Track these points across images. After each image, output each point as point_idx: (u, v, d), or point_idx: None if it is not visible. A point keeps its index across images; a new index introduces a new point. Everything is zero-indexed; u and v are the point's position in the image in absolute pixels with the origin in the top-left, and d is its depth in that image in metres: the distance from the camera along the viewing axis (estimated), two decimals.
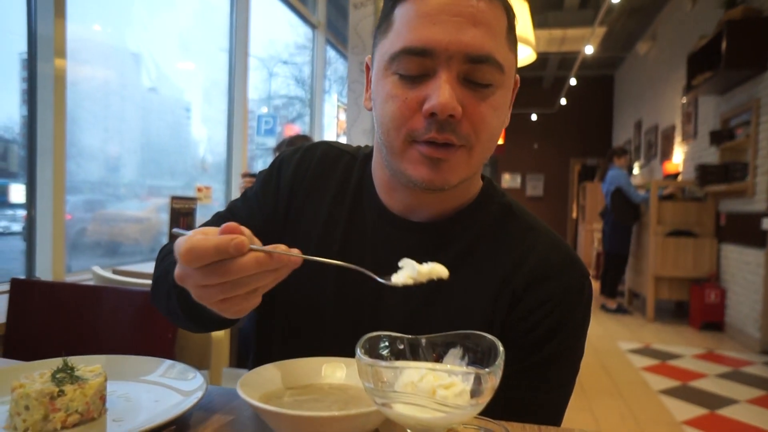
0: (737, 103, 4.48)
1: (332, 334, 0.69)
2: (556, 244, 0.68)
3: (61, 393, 0.51)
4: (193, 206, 2.21)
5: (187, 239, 0.44)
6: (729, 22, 4.04)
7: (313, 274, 0.70)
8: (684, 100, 5.71)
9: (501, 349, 0.43)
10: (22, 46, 2.02)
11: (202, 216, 2.45)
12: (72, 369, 0.55)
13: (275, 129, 4.30)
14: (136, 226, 2.99)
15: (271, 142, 4.27)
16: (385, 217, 0.69)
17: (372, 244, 0.69)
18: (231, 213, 0.76)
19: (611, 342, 4.23)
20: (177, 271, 0.47)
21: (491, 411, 0.45)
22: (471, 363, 0.47)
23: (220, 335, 1.29)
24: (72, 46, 2.05)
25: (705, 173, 4.61)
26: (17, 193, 2.22)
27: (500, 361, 0.42)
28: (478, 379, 0.40)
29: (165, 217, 3.00)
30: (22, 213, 2.13)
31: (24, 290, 1.17)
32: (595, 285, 5.65)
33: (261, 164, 4.50)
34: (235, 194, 3.36)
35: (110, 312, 1.13)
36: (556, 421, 0.66)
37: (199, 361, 1.27)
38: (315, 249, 0.71)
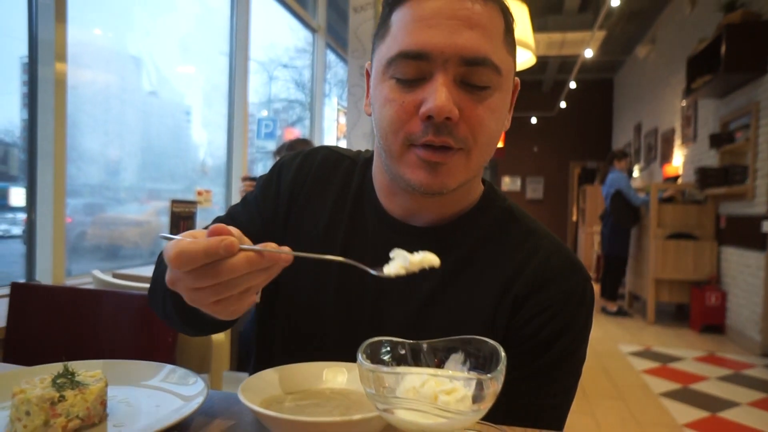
0: (737, 106, 4.49)
1: (333, 338, 0.69)
2: (557, 248, 0.68)
3: (62, 398, 0.51)
4: (194, 210, 2.21)
5: (175, 243, 0.44)
6: (728, 25, 4.05)
7: (314, 276, 0.70)
8: (684, 103, 5.72)
9: (503, 354, 0.43)
10: (23, 50, 2.02)
11: (202, 220, 2.45)
12: (73, 374, 0.55)
13: (275, 132, 4.30)
14: (136, 230, 2.99)
15: (271, 145, 4.27)
16: (385, 222, 0.69)
17: (373, 249, 0.69)
18: (231, 218, 0.76)
19: (612, 345, 4.22)
20: (168, 275, 0.47)
21: (493, 416, 0.45)
22: (472, 368, 0.47)
23: (221, 339, 1.29)
24: (73, 51, 2.06)
25: (705, 176, 4.61)
26: (17, 196, 2.22)
27: (502, 367, 0.42)
28: (480, 385, 0.40)
29: (165, 221, 3.00)
30: (22, 216, 2.13)
31: (24, 294, 1.16)
32: (596, 288, 5.64)
33: (261, 167, 4.51)
34: (236, 198, 3.37)
35: (110, 316, 1.13)
36: (559, 425, 0.66)
37: (200, 365, 1.27)
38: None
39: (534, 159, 10.12)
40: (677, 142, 6.10)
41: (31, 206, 2.02)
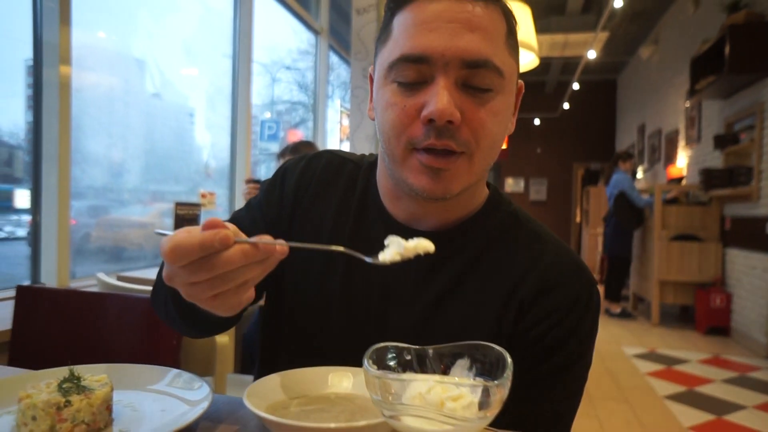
0: (741, 107, 4.47)
1: (337, 341, 0.69)
2: (563, 252, 0.68)
3: (68, 403, 0.51)
4: (197, 212, 2.22)
5: (170, 238, 0.44)
6: (732, 26, 4.03)
7: (318, 279, 0.70)
8: (687, 104, 5.70)
9: (509, 360, 0.43)
10: (28, 52, 2.03)
11: None
12: (78, 379, 0.55)
13: (278, 134, 4.31)
14: (140, 232, 3.00)
15: (274, 147, 4.27)
16: (390, 226, 0.69)
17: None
18: (234, 222, 0.76)
19: (616, 347, 4.21)
20: (165, 271, 0.46)
21: (499, 423, 0.45)
22: (478, 374, 0.47)
23: (225, 342, 1.29)
24: (77, 53, 2.07)
25: (709, 177, 4.59)
26: (22, 198, 2.23)
27: (509, 373, 0.42)
28: (486, 392, 0.40)
29: (169, 222, 3.01)
30: (26, 218, 2.13)
31: (30, 297, 1.17)
32: (600, 290, 5.62)
33: (264, 169, 4.51)
34: (239, 200, 3.37)
35: (115, 319, 1.13)
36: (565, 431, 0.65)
37: (204, 368, 1.27)
38: (320, 259, 0.70)
39: (537, 160, 10.11)
40: (681, 143, 6.08)
41: (35, 208, 2.03)
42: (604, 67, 8.81)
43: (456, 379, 0.46)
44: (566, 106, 9.09)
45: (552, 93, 9.65)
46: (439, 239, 0.68)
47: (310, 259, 0.71)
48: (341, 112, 5.33)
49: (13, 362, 1.14)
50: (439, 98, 0.56)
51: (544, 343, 0.63)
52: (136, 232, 2.98)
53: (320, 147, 4.64)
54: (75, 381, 0.54)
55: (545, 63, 8.24)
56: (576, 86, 8.03)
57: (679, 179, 5.79)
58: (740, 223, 4.49)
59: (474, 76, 0.58)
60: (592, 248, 8.16)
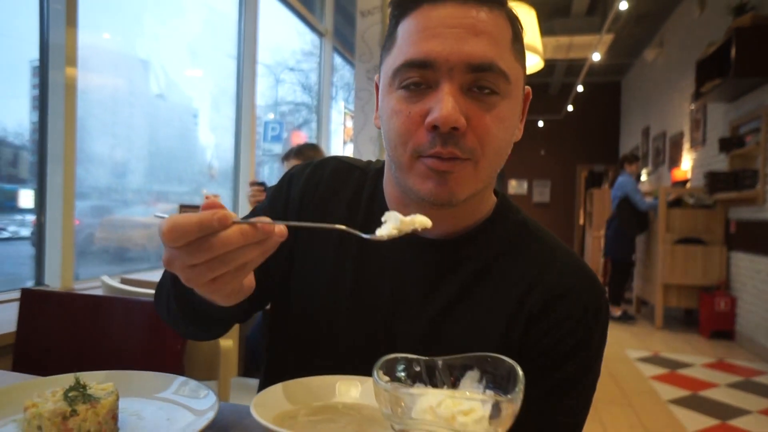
0: (747, 110, 4.45)
1: (345, 348, 0.68)
2: (573, 262, 0.67)
3: (74, 413, 0.51)
4: None
5: (168, 218, 0.44)
6: (738, 29, 4.02)
7: (327, 286, 0.70)
8: (692, 107, 5.67)
9: (521, 374, 0.42)
10: (33, 53, 2.04)
11: None
12: (84, 387, 0.54)
13: (282, 135, 4.31)
14: (144, 232, 3.00)
15: (278, 148, 4.28)
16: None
17: (386, 263, 0.68)
18: None
19: (619, 350, 4.19)
20: (164, 255, 0.46)
21: None
22: (488, 386, 0.46)
23: (229, 345, 1.28)
24: (82, 54, 2.07)
25: (714, 180, 4.57)
26: (26, 198, 2.23)
27: (520, 387, 0.41)
28: (498, 406, 0.40)
29: None
30: (30, 218, 2.14)
31: (34, 300, 1.17)
32: None
33: (267, 170, 4.52)
34: (243, 202, 3.37)
35: (119, 322, 1.13)
36: None
37: (208, 372, 1.27)
38: (328, 266, 0.70)
39: (541, 162, 10.09)
40: (686, 145, 6.06)
41: (40, 209, 2.03)
42: (609, 69, 8.79)
43: (467, 393, 0.45)
44: (570, 108, 9.07)
45: (556, 95, 9.63)
46: (447, 247, 0.67)
47: (318, 267, 0.71)
48: (345, 113, 5.32)
49: (17, 365, 1.14)
50: (444, 104, 0.55)
51: (554, 353, 0.63)
52: (140, 233, 2.98)
53: (324, 149, 4.64)
54: (81, 389, 0.54)
55: (549, 65, 8.21)
56: (580, 88, 8.01)
57: (684, 182, 5.77)
58: (745, 226, 4.47)
59: (479, 81, 0.57)
60: (596, 251, 8.13)
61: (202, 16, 3.62)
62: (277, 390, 0.58)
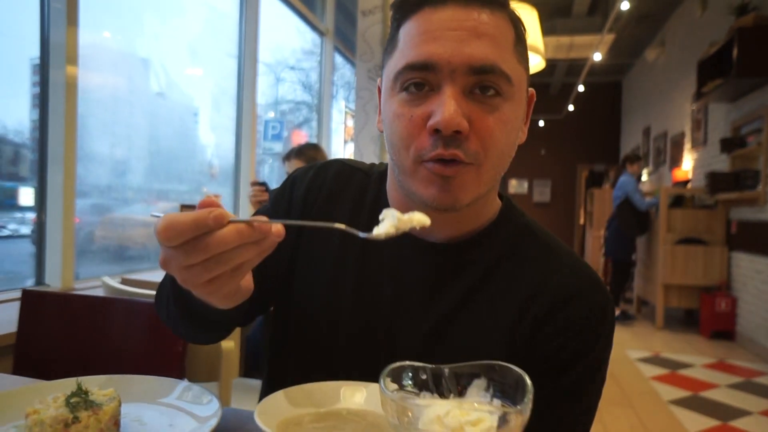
0: (748, 110, 4.44)
1: (348, 352, 0.67)
2: (577, 266, 0.67)
3: (76, 420, 0.51)
4: None
5: (164, 217, 0.43)
6: (740, 29, 4.01)
7: (329, 290, 0.69)
8: (694, 107, 5.67)
9: (529, 384, 0.42)
10: (34, 51, 2.03)
11: None
12: (86, 393, 0.54)
13: (282, 134, 4.30)
14: (144, 231, 3.00)
15: (278, 146, 4.27)
16: (402, 238, 0.68)
17: (389, 266, 0.68)
18: None
19: (620, 350, 4.18)
20: (160, 255, 0.45)
21: None
22: (496, 395, 0.46)
23: (230, 347, 1.28)
24: (82, 53, 2.06)
25: (715, 181, 4.57)
26: (26, 196, 2.23)
27: (529, 397, 0.41)
28: (506, 417, 0.39)
29: None
30: (31, 216, 2.14)
31: (35, 301, 1.16)
32: None
33: (267, 169, 4.51)
34: (244, 201, 3.36)
35: (121, 324, 1.13)
36: None
37: (209, 374, 1.26)
38: (330, 268, 0.70)
39: (541, 162, 10.08)
40: (687, 146, 6.05)
41: (41, 207, 2.03)
42: (610, 68, 8.78)
43: (475, 404, 0.44)
44: (571, 107, 9.06)
45: (556, 95, 9.62)
46: (451, 251, 0.67)
47: (320, 269, 0.70)
48: (346, 112, 5.31)
49: (18, 366, 1.14)
50: (446, 107, 0.55)
51: (560, 357, 0.62)
52: (140, 231, 2.98)
53: (325, 148, 4.63)
54: (83, 395, 0.53)
55: (550, 65, 8.20)
56: (581, 88, 8.00)
57: (685, 182, 5.77)
58: (746, 226, 4.46)
59: (482, 83, 0.57)
60: (596, 250, 8.13)
61: (202, 16, 3.62)
62: (280, 396, 0.57)
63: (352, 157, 4.07)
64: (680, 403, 3.06)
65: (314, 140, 4.94)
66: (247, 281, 0.53)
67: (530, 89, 0.66)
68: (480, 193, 0.61)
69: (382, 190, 0.73)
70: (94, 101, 2.50)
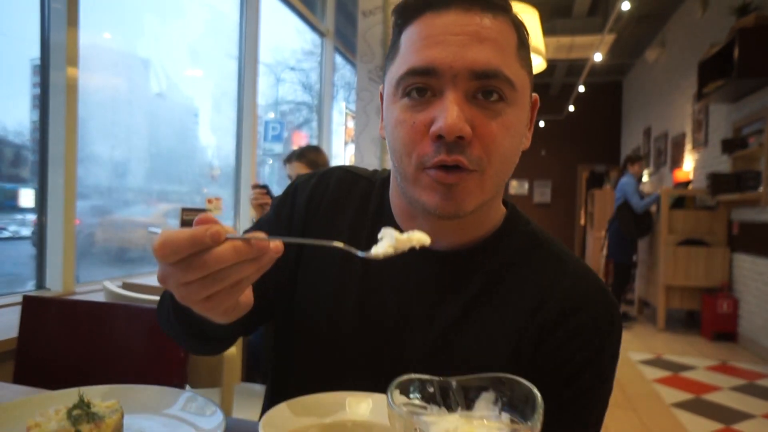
0: (750, 111, 4.44)
1: (352, 362, 0.67)
2: (584, 274, 0.66)
3: None
4: None
5: (161, 234, 0.43)
6: (741, 29, 4.00)
7: (332, 300, 0.69)
8: (695, 107, 5.66)
9: (539, 399, 0.41)
10: (34, 51, 2.03)
11: None
12: (88, 405, 0.53)
13: (282, 135, 4.30)
14: (144, 232, 2.99)
15: (278, 147, 4.27)
16: None
17: (393, 275, 0.67)
18: None
19: (622, 352, 4.11)
20: (158, 271, 0.45)
21: None
22: (504, 409, 0.45)
23: (232, 353, 1.27)
24: (82, 53, 2.06)
25: (717, 182, 4.56)
26: (26, 197, 2.22)
27: (540, 413, 0.40)
28: None
29: (173, 223, 3.00)
30: (31, 217, 2.13)
31: (36, 307, 1.16)
32: None
33: (267, 170, 4.51)
34: (245, 204, 3.36)
35: (122, 330, 1.12)
36: None
37: (211, 379, 1.26)
38: (333, 278, 0.69)
39: (541, 162, 10.07)
40: (688, 146, 6.04)
41: (41, 209, 2.02)
42: (610, 69, 8.77)
43: (485, 421, 0.44)
44: (571, 108, 9.05)
45: (557, 95, 9.62)
46: (455, 259, 0.66)
47: (323, 279, 0.70)
48: (346, 113, 5.31)
49: (19, 372, 1.13)
50: (449, 113, 0.54)
51: (566, 367, 0.62)
52: (140, 233, 2.97)
53: (326, 150, 4.62)
54: (85, 408, 0.52)
55: (550, 65, 8.19)
56: (581, 88, 7.99)
57: (686, 183, 5.76)
58: (748, 228, 4.45)
59: (484, 88, 0.56)
60: (597, 251, 8.12)
61: (203, 17, 3.61)
62: (284, 408, 0.56)
63: (352, 159, 4.04)
64: (683, 405, 3.05)
65: (314, 141, 4.93)
66: (247, 296, 0.52)
67: (534, 94, 0.66)
68: (484, 199, 0.60)
69: (385, 197, 0.72)
70: (94, 102, 2.50)
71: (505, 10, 0.60)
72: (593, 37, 6.57)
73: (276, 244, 0.45)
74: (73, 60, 2.00)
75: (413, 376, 0.46)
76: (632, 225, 5.17)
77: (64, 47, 1.97)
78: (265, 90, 4.45)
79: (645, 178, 7.82)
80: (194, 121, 3.57)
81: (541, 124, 9.74)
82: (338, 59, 5.37)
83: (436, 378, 0.47)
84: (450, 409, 0.46)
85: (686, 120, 6.13)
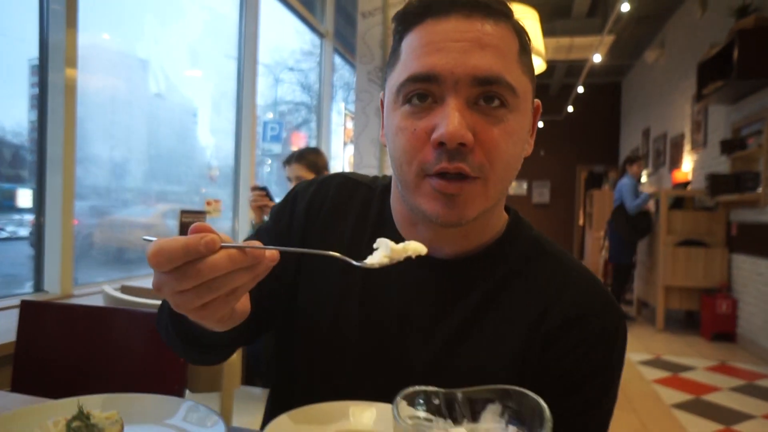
0: (749, 112, 4.44)
1: (355, 371, 0.66)
2: (589, 281, 0.65)
3: None
4: (203, 220, 2.20)
5: (155, 242, 0.42)
6: (741, 31, 4.00)
7: (334, 308, 0.68)
8: (695, 108, 5.66)
9: (548, 414, 0.40)
10: (32, 52, 2.02)
11: None
12: (88, 417, 0.52)
13: (281, 135, 4.29)
14: (143, 233, 2.98)
15: (277, 148, 4.26)
16: None
17: (395, 283, 0.66)
18: None
19: None
20: (153, 280, 0.45)
21: None
22: (511, 421, 0.44)
23: (232, 357, 1.26)
24: (81, 54, 2.05)
25: (716, 183, 4.56)
26: (24, 197, 2.21)
27: (549, 427, 0.39)
28: None
29: (171, 224, 2.99)
30: (29, 218, 2.12)
31: (34, 312, 1.15)
32: None
33: (266, 170, 4.50)
34: (244, 205, 3.35)
35: (122, 335, 1.11)
36: None
37: (211, 384, 1.25)
38: (334, 287, 0.68)
39: (540, 163, 10.07)
40: (687, 147, 6.05)
41: (39, 209, 2.01)
42: (609, 69, 8.77)
43: None
44: (570, 108, 9.05)
45: (556, 96, 9.62)
46: (458, 267, 0.65)
47: (324, 288, 0.69)
48: (345, 114, 5.30)
49: (17, 378, 1.12)
50: (450, 120, 0.53)
51: (571, 376, 0.61)
52: (139, 234, 2.96)
53: (325, 150, 4.61)
54: (84, 419, 0.52)
55: (550, 66, 8.19)
56: (580, 89, 7.99)
57: (685, 184, 5.76)
58: (747, 229, 4.46)
59: (486, 94, 0.56)
60: (595, 252, 8.12)
61: (202, 18, 3.60)
62: (286, 419, 0.56)
63: (352, 160, 4.03)
64: (683, 406, 3.05)
65: (313, 142, 4.93)
66: (243, 304, 0.52)
67: (536, 100, 0.65)
68: (486, 207, 0.60)
69: (386, 204, 0.71)
70: (93, 103, 2.49)
71: (507, 16, 0.59)
72: (592, 38, 6.57)
73: (272, 253, 0.45)
74: (71, 60, 1.99)
75: (418, 388, 0.45)
76: (627, 227, 5.16)
77: (63, 48, 1.96)
78: (263, 90, 4.45)
79: (644, 179, 7.82)
80: (193, 122, 3.56)
81: (540, 124, 9.67)
82: (337, 59, 5.37)
83: (441, 390, 0.46)
84: (456, 421, 0.46)
85: (685, 121, 6.13)
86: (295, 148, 2.95)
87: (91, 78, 2.40)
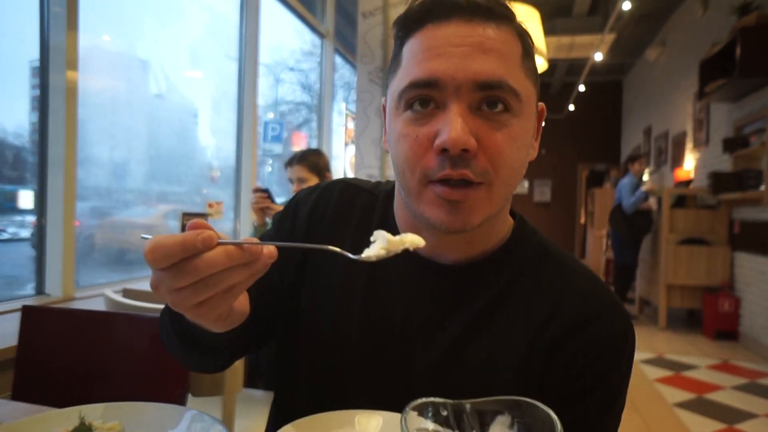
0: (751, 110, 4.43)
1: (358, 375, 0.65)
2: (596, 286, 0.64)
3: None
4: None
5: (152, 238, 0.42)
6: (743, 29, 3.98)
7: (337, 313, 0.67)
8: (697, 107, 5.64)
9: (559, 426, 0.40)
10: (33, 53, 2.01)
11: None
12: (90, 428, 0.52)
13: (282, 135, 4.28)
14: (144, 234, 2.97)
15: (278, 148, 4.25)
16: (411, 260, 0.65)
17: (399, 289, 0.66)
18: None
19: None
20: (151, 278, 0.44)
21: None
22: None
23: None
24: (81, 55, 2.04)
25: (718, 181, 4.55)
26: (26, 199, 2.21)
27: None
28: None
29: (172, 224, 2.99)
30: (30, 219, 2.12)
31: (36, 317, 1.14)
32: None
33: (268, 170, 4.49)
34: (245, 206, 3.34)
35: (124, 339, 1.11)
36: None
37: (213, 388, 1.24)
38: (338, 293, 0.68)
39: (542, 161, 10.05)
40: (688, 145, 6.03)
41: (41, 211, 2.01)
42: (610, 68, 8.76)
43: None
44: (571, 107, 9.04)
45: (557, 94, 9.61)
46: (462, 273, 0.65)
47: (328, 293, 0.68)
48: (346, 114, 5.29)
49: (18, 382, 1.11)
50: (452, 126, 0.53)
51: (578, 383, 0.60)
52: (140, 235, 2.95)
53: (326, 151, 4.61)
54: (86, 431, 0.51)
55: (551, 64, 8.18)
56: (582, 88, 7.98)
57: (687, 182, 5.75)
58: (749, 227, 4.44)
59: (488, 98, 0.55)
60: (597, 250, 8.12)
61: (202, 19, 3.59)
62: (292, 428, 0.55)
63: (353, 161, 4.02)
64: (685, 405, 3.04)
65: (314, 142, 4.92)
66: (242, 304, 0.51)
67: (540, 104, 0.64)
68: (491, 213, 0.59)
69: (389, 210, 0.71)
70: (94, 104, 2.48)
71: (509, 19, 0.58)
72: (594, 37, 6.55)
73: (269, 249, 0.44)
74: (72, 62, 1.99)
75: (426, 399, 0.45)
76: (625, 225, 5.15)
77: (64, 49, 1.96)
78: (264, 90, 4.44)
79: (645, 177, 7.81)
80: (194, 122, 3.56)
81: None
82: (338, 59, 5.36)
83: (450, 401, 0.45)
84: None
85: (687, 119, 6.11)
86: (296, 148, 2.94)
87: (92, 79, 2.40)
